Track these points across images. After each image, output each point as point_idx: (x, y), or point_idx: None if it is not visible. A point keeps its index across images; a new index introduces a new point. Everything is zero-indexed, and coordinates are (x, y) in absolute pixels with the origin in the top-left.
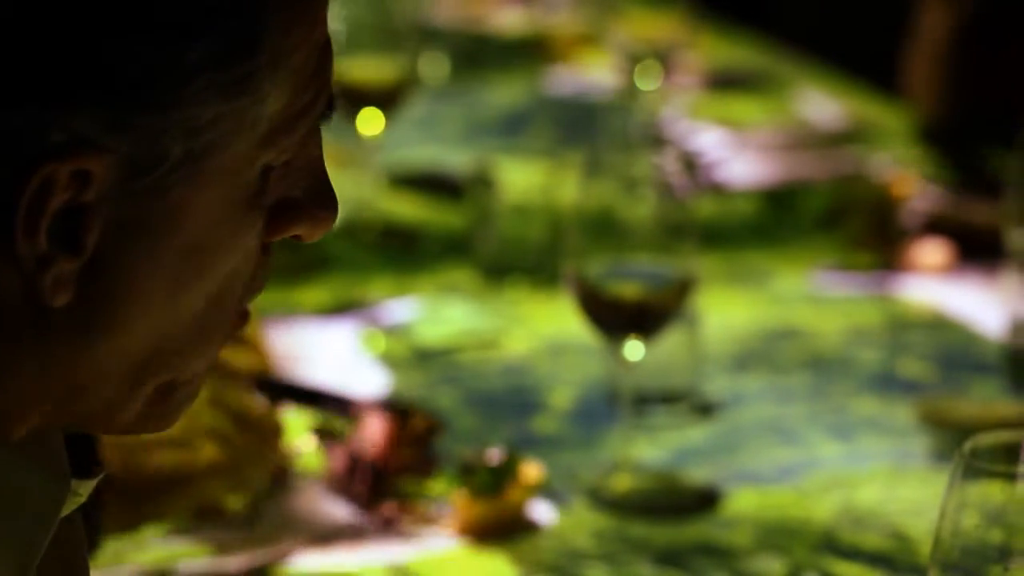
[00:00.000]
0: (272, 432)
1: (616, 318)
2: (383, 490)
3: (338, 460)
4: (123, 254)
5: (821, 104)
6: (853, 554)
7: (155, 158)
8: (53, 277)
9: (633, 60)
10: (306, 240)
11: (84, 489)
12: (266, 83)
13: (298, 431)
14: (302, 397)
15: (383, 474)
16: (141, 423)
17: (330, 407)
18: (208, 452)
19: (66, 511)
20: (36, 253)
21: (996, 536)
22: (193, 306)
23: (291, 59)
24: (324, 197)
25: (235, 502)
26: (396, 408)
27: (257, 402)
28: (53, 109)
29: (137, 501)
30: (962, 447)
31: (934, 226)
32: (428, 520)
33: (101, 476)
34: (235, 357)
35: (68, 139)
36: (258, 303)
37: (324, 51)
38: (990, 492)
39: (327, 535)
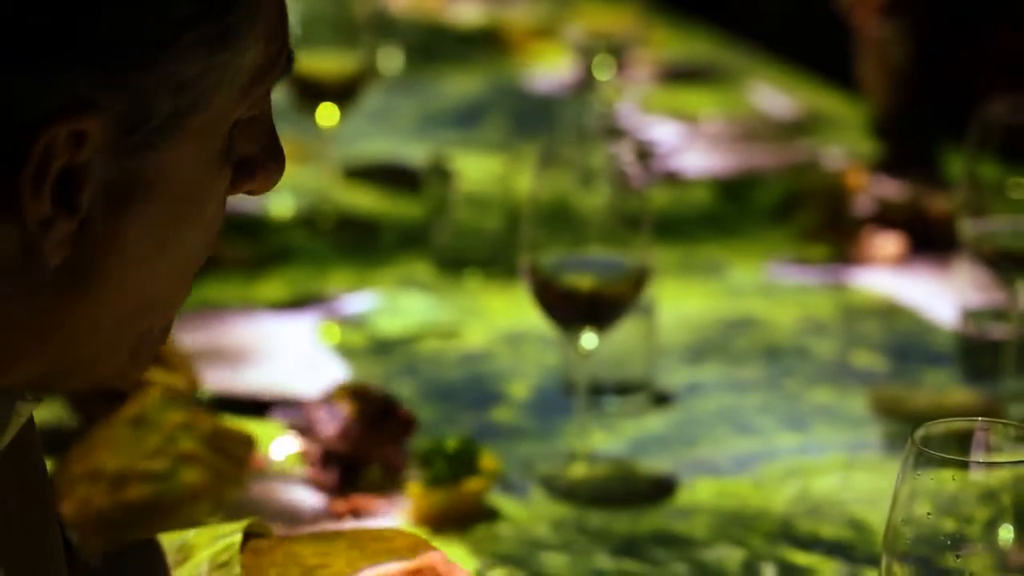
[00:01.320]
0: (245, 448)
1: (571, 309)
2: (353, 481)
3: (310, 452)
4: (113, 212)
5: (775, 96)
6: (810, 543)
7: (145, 116)
8: (53, 237)
9: (588, 53)
10: (257, 194)
11: (26, 411)
12: (245, 36)
13: (270, 435)
14: (246, 408)
15: (354, 465)
16: (121, 374)
17: (277, 413)
18: (188, 477)
19: (9, 434)
20: (40, 215)
21: (949, 524)
22: (177, 257)
23: (263, 11)
24: (275, 151)
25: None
26: (375, 401)
27: (225, 420)
28: (52, 72)
29: (121, 533)
30: (913, 435)
31: (887, 217)
32: (387, 510)
33: (42, 400)
34: (161, 377)
35: (67, 100)
36: (217, 297)
37: (283, 2)
38: (942, 480)
39: (293, 523)
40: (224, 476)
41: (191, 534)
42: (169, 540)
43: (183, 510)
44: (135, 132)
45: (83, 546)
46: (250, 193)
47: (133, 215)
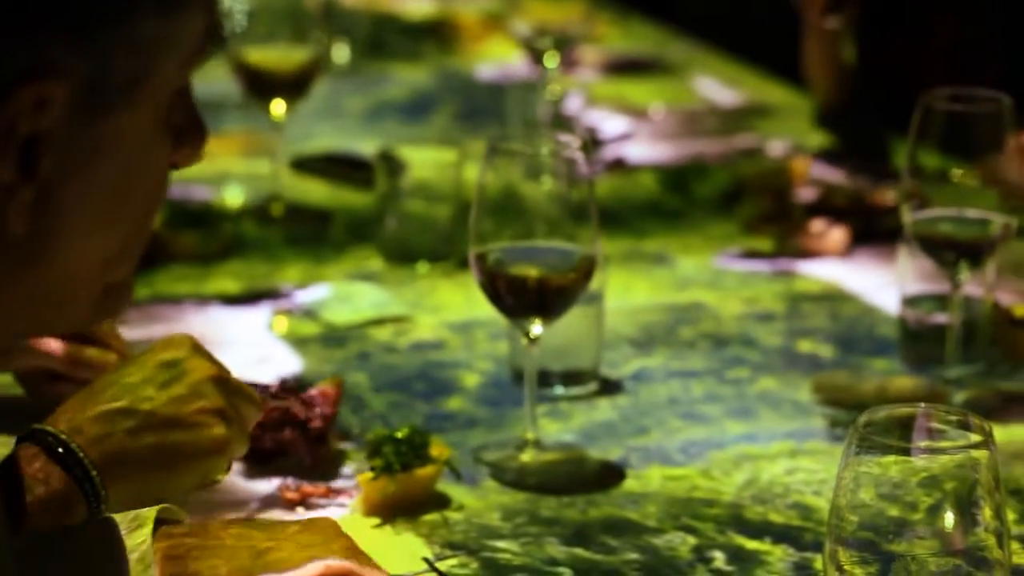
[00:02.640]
0: (254, 411)
1: (519, 299)
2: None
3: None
4: (68, 176)
5: (720, 87)
6: (759, 530)
7: (104, 80)
8: (16, 204)
9: (536, 45)
10: (182, 167)
11: None
12: (192, 3)
13: None
14: None
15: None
16: (93, 317)
17: None
18: (215, 431)
19: None
20: (3, 181)
21: (893, 509)
22: (131, 218)
23: None
24: (200, 123)
25: (223, 476)
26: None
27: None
28: (21, 35)
29: (139, 475)
30: (857, 422)
31: (831, 206)
32: (339, 498)
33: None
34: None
35: (35, 63)
36: (170, 290)
37: None
38: (886, 466)
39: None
40: (238, 436)
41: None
42: (122, 514)
43: (203, 462)
44: (94, 97)
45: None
46: (175, 167)
47: (87, 180)
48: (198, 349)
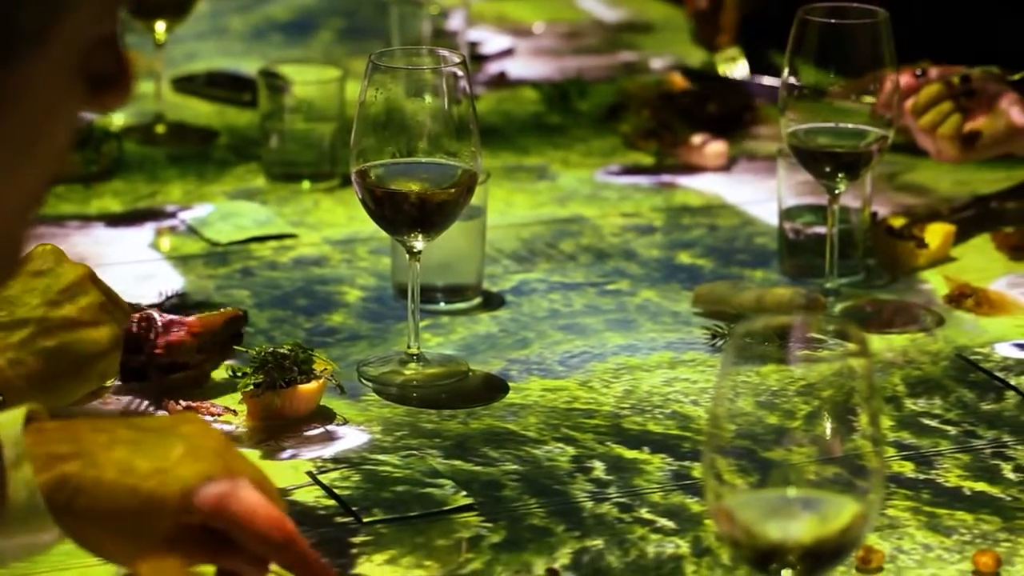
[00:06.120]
0: (125, 319)
1: (401, 215)
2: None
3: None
4: None
5: (601, 4)
6: (638, 440)
7: (11, 26)
8: None
9: None
10: (106, 112)
11: None
12: None
13: None
14: None
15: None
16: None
17: None
18: (110, 326)
19: None
20: None
21: (771, 418)
22: (40, 168)
23: None
24: (125, 69)
25: (112, 381)
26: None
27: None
28: None
29: (42, 388)
30: (735, 331)
31: (712, 121)
32: (222, 413)
33: None
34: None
35: None
36: (52, 210)
37: None
38: (764, 375)
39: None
40: (117, 334)
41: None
42: None
43: (102, 360)
44: (5, 47)
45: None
46: (98, 111)
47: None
48: (61, 254)
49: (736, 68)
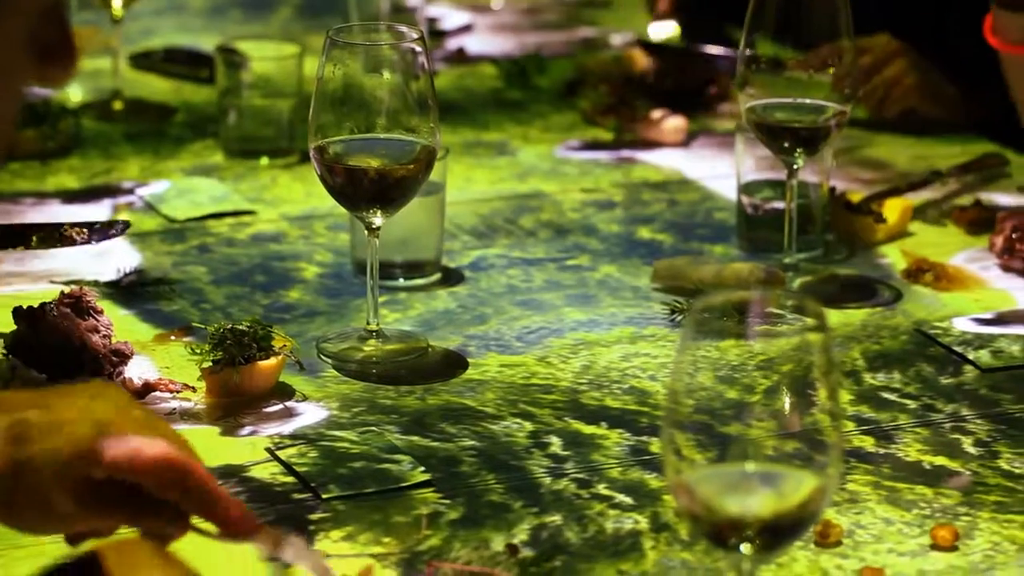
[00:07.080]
0: None
1: (359, 191)
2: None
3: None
4: None
5: None
6: (596, 416)
7: None
8: None
9: None
10: (52, 87)
11: None
12: None
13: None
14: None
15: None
16: None
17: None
18: None
19: None
20: None
21: (730, 392)
22: None
23: None
24: (70, 42)
25: None
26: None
27: None
28: None
29: None
30: (694, 306)
31: (672, 96)
32: (180, 389)
33: None
34: None
35: None
36: (8, 187)
37: None
38: (723, 350)
39: None
40: None
41: None
42: None
43: None
44: None
45: None
46: (44, 85)
47: None
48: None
49: (665, 34)
